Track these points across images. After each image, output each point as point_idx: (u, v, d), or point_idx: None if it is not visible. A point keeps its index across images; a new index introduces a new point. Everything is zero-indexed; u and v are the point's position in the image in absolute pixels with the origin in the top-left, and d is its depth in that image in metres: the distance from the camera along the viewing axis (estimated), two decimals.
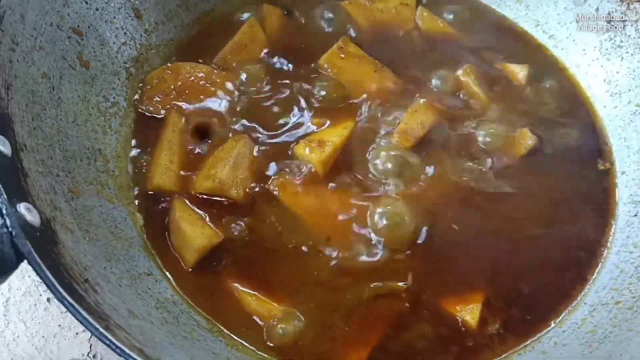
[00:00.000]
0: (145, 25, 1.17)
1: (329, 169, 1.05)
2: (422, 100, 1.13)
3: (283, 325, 0.91)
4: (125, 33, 1.13)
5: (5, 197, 0.70)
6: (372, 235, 0.99)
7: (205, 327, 0.90)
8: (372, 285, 0.95)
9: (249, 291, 0.94)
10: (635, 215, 1.03)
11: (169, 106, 1.11)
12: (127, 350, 0.66)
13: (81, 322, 0.66)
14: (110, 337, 0.66)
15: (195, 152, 1.07)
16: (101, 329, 0.67)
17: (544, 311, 0.95)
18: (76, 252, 0.80)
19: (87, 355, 0.94)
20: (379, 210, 1.00)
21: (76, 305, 0.67)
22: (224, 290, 0.94)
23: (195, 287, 0.94)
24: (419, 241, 0.98)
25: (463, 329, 0.92)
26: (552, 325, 0.94)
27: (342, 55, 1.18)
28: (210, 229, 0.97)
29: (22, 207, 0.73)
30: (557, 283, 0.98)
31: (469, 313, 0.93)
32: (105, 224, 0.93)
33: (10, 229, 0.69)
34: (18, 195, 0.74)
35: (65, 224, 0.83)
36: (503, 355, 0.91)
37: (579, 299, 0.97)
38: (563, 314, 0.95)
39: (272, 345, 0.90)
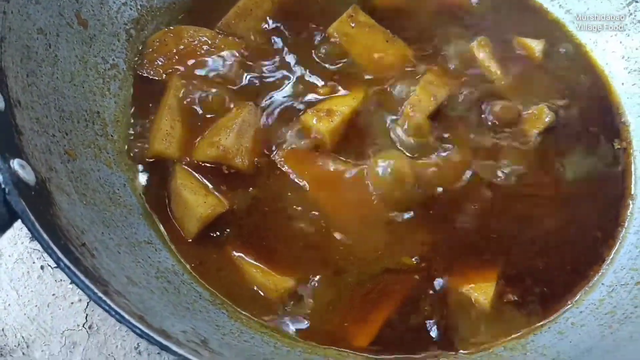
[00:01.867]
0: None
1: (337, 140, 1.01)
2: (434, 73, 1.09)
3: (288, 299, 0.87)
4: None
5: None
6: (376, 202, 0.95)
7: (208, 299, 0.86)
8: (380, 261, 0.91)
9: (254, 262, 0.89)
10: None
11: (170, 70, 1.06)
12: (127, 317, 0.61)
13: (78, 285, 0.62)
14: (109, 302, 0.62)
15: (198, 118, 1.02)
16: (99, 293, 0.62)
17: (560, 291, 0.91)
18: (72, 215, 0.76)
19: (83, 326, 0.89)
20: (380, 164, 0.96)
21: (72, 268, 0.62)
22: (227, 261, 0.90)
23: (197, 258, 0.90)
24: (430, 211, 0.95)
25: (477, 307, 0.88)
26: (569, 305, 0.90)
27: (352, 24, 1.13)
28: (214, 197, 0.93)
29: (15, 164, 0.68)
30: (573, 263, 0.94)
31: (482, 291, 0.89)
32: (103, 189, 0.89)
33: (2, 186, 0.64)
34: (11, 151, 0.69)
35: (61, 185, 0.78)
36: (518, 334, 0.87)
37: (596, 279, 0.93)
38: (579, 295, 0.91)
39: (276, 320, 0.86)
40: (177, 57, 1.07)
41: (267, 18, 1.15)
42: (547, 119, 1.05)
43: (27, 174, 0.69)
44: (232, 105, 1.03)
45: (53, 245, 0.63)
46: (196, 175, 0.96)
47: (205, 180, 0.95)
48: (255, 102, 1.04)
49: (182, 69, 1.06)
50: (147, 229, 0.90)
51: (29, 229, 0.63)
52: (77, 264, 0.64)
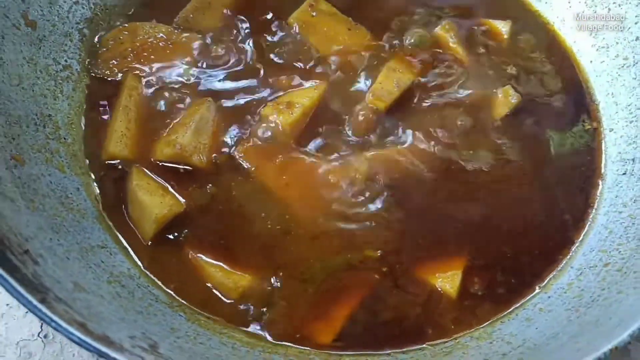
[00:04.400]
0: None
1: (299, 133, 0.98)
2: (398, 59, 1.06)
3: (249, 298, 0.85)
4: None
5: None
6: (338, 196, 0.92)
7: (165, 301, 0.83)
8: (343, 255, 0.89)
9: (213, 262, 0.87)
10: (624, 174, 0.97)
11: (126, 69, 1.03)
12: (64, 324, 0.59)
13: (11, 294, 0.59)
14: (45, 310, 0.60)
15: (155, 118, 0.99)
16: (35, 302, 0.60)
17: (528, 277, 0.89)
18: (16, 222, 0.73)
19: (38, 335, 0.87)
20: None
21: (5, 275, 0.60)
22: (186, 262, 0.87)
23: (155, 260, 0.88)
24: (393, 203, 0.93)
25: (443, 298, 0.86)
26: (537, 290, 0.88)
27: (313, 13, 1.10)
28: (172, 197, 0.91)
29: None
30: (542, 247, 0.92)
31: (448, 281, 0.87)
32: (55, 194, 0.86)
33: None
34: None
35: (4, 192, 0.76)
36: (485, 324, 0.85)
37: (565, 262, 0.91)
38: (548, 279, 0.89)
39: (237, 319, 0.84)
40: (132, 55, 1.05)
41: (226, 10, 1.12)
42: (512, 101, 1.03)
43: None
44: (190, 102, 1.00)
45: None
46: (153, 176, 0.93)
47: (163, 181, 0.93)
48: (214, 98, 1.01)
49: (138, 67, 1.04)
50: (101, 233, 0.88)
51: None
52: (12, 272, 0.62)
